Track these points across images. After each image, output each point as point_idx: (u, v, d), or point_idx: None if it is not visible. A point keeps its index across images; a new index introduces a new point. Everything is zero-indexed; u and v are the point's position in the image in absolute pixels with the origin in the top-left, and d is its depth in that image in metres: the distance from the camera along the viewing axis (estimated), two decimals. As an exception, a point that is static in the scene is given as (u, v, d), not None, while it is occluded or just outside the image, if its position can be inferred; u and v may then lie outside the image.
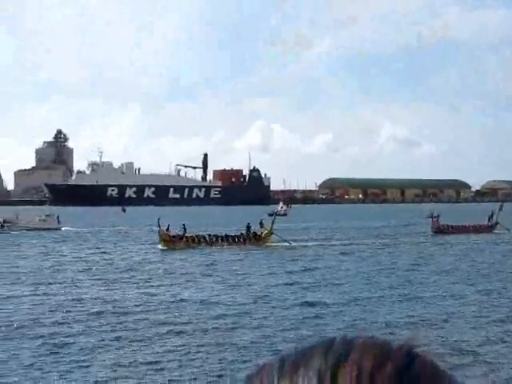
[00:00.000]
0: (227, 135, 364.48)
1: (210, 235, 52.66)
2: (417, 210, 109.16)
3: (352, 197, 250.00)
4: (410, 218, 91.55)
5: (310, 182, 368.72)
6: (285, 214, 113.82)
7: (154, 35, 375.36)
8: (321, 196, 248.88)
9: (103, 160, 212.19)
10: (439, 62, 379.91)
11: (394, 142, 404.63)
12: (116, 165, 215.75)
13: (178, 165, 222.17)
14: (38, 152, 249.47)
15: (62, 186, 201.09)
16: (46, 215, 74.08)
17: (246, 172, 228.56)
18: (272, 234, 53.45)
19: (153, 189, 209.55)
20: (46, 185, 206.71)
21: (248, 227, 54.16)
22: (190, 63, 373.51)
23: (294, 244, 52.42)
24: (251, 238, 52.76)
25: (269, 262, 40.42)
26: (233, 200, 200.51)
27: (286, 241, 52.51)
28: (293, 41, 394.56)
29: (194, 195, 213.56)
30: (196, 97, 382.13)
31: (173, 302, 25.83)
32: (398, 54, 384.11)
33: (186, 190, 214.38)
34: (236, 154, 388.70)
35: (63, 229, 70.33)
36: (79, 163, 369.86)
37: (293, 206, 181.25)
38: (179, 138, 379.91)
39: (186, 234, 51.72)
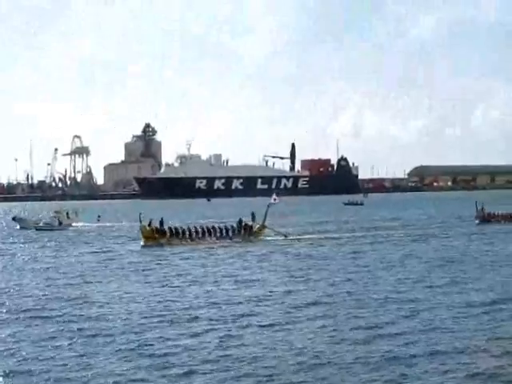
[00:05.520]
0: (316, 123, 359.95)
1: (195, 227, 48.46)
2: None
3: (441, 184, 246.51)
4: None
5: (399, 170, 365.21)
6: (361, 204, 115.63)
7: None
8: (410, 184, 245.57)
9: (191, 152, 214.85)
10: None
11: (487, 124, 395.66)
12: (204, 157, 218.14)
13: (265, 155, 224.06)
14: (127, 146, 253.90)
15: (151, 179, 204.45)
16: (55, 212, 72.13)
17: (334, 161, 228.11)
18: (265, 227, 49.72)
19: (241, 180, 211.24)
20: (136, 178, 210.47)
21: (240, 221, 49.37)
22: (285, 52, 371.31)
23: (290, 237, 48.97)
24: (241, 232, 48.43)
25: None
26: (321, 190, 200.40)
27: (281, 234, 49.45)
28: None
29: (282, 185, 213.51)
30: (280, 85, 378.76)
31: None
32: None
33: (274, 180, 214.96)
34: (325, 141, 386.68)
35: (73, 224, 68.58)
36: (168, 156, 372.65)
37: (379, 194, 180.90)
38: (266, 127, 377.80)
39: (170, 228, 48.25)
